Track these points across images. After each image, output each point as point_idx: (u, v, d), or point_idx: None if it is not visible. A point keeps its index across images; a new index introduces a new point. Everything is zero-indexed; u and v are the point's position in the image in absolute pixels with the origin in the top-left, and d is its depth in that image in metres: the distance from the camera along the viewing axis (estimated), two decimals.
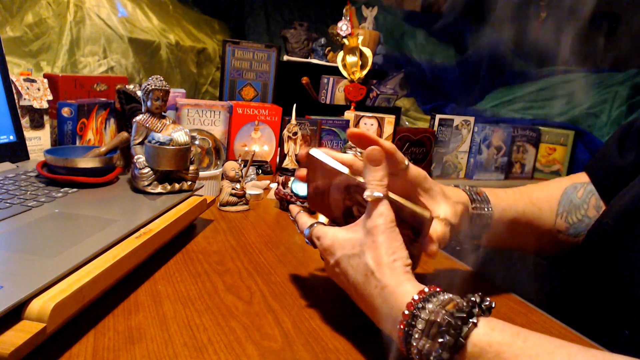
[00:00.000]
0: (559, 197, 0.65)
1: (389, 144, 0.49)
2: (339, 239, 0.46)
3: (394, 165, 0.50)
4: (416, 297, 0.39)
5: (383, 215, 0.43)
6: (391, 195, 0.45)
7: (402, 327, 0.38)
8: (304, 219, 0.52)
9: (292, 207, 0.56)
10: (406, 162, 0.52)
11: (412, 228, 0.47)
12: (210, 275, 0.57)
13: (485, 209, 0.59)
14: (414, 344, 0.38)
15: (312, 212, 0.61)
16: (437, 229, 0.49)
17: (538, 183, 0.68)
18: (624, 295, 0.51)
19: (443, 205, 0.53)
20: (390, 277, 0.42)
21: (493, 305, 0.39)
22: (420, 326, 0.37)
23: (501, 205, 0.61)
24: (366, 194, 0.44)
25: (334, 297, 0.54)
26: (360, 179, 0.47)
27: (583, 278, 0.59)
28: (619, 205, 0.55)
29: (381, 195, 0.44)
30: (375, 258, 0.43)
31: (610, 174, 0.62)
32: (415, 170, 0.53)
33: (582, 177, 0.66)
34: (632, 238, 0.51)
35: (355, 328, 0.48)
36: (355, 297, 0.46)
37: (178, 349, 0.42)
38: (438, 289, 0.40)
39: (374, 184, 0.44)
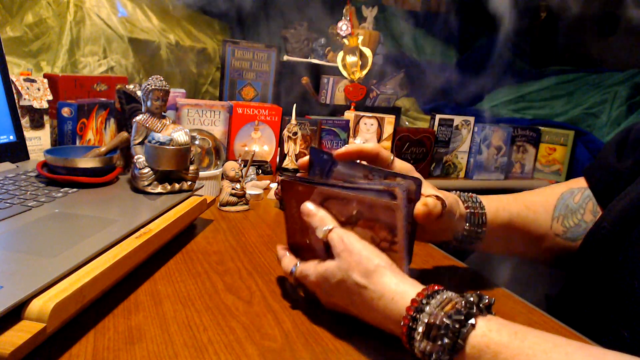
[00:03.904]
0: (554, 202, 0.65)
1: (371, 146, 0.56)
2: (319, 272, 0.47)
3: (381, 162, 0.56)
4: (415, 300, 0.40)
5: (342, 236, 0.46)
6: (357, 192, 0.48)
7: (404, 330, 0.40)
8: (288, 260, 0.53)
9: (278, 247, 0.56)
10: (391, 157, 0.57)
11: (387, 227, 0.47)
12: (210, 275, 0.57)
13: (478, 208, 0.60)
14: (416, 345, 0.39)
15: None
16: (426, 200, 0.50)
17: (532, 190, 0.68)
18: (622, 298, 0.51)
19: (429, 189, 0.54)
20: (383, 284, 0.43)
21: (492, 302, 0.39)
22: (420, 329, 0.38)
23: (494, 205, 0.61)
24: (318, 234, 0.48)
25: None
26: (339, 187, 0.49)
27: (582, 281, 0.59)
28: (617, 208, 0.55)
29: (330, 226, 0.48)
30: (361, 272, 0.44)
31: (608, 178, 0.62)
32: (400, 164, 0.58)
33: (579, 183, 0.66)
34: (631, 241, 0.51)
35: (355, 328, 0.48)
36: (359, 316, 0.46)
37: (178, 349, 0.42)
38: (436, 287, 0.41)
39: (319, 225, 0.48)
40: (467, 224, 0.59)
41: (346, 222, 0.49)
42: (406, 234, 0.47)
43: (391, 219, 0.46)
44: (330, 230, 0.47)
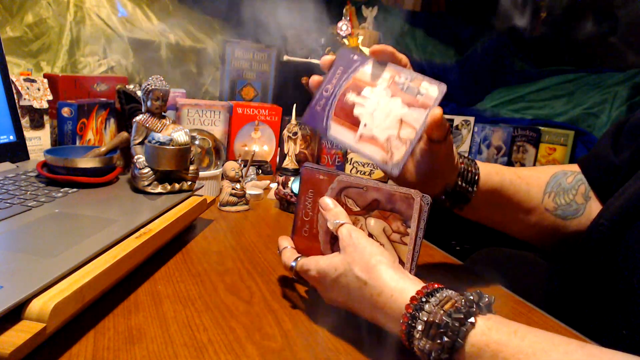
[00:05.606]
0: (547, 179, 0.65)
1: (402, 55, 0.56)
2: (321, 266, 0.47)
3: (398, 62, 0.55)
4: (414, 298, 0.40)
5: (350, 231, 0.47)
6: (377, 183, 0.49)
7: (403, 328, 0.39)
8: (289, 254, 0.53)
9: (280, 238, 0.56)
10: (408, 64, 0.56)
11: (401, 217, 0.48)
12: (210, 275, 0.57)
13: (472, 167, 0.60)
14: (416, 343, 0.38)
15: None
16: (441, 109, 0.50)
17: (525, 167, 0.69)
18: (622, 295, 0.51)
19: None
20: (382, 281, 0.42)
21: (493, 301, 0.39)
22: (420, 327, 0.38)
23: (487, 169, 0.61)
24: (329, 226, 0.49)
25: None
26: (356, 179, 0.50)
27: (582, 278, 0.59)
28: (615, 205, 0.55)
29: (342, 221, 0.48)
30: (362, 267, 0.44)
31: (606, 173, 0.62)
32: None
33: (573, 167, 0.67)
34: (630, 238, 0.51)
35: (355, 328, 0.48)
36: (358, 312, 0.46)
37: (178, 349, 0.42)
38: (436, 285, 0.41)
39: (332, 218, 0.49)
40: (460, 179, 0.59)
41: (362, 211, 0.50)
42: (418, 231, 0.48)
43: (408, 208, 0.47)
44: (341, 225, 0.48)
